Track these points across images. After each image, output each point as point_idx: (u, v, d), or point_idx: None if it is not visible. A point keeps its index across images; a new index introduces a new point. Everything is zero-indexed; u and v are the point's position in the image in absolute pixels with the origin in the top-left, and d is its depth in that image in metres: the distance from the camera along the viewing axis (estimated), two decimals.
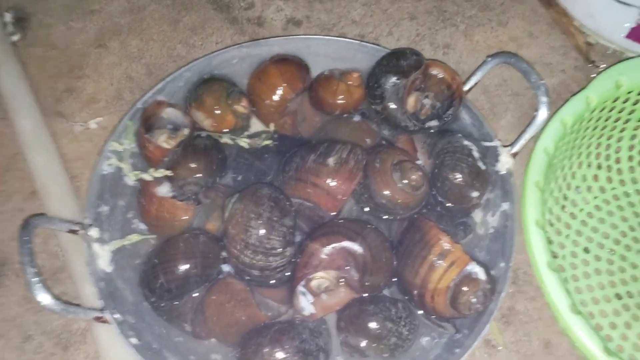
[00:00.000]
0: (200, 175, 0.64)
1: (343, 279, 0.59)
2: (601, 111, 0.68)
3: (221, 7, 0.90)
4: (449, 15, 0.88)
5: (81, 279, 0.68)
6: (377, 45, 0.72)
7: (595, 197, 0.73)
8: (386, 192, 0.60)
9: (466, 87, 0.68)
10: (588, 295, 0.68)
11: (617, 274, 0.70)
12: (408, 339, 0.58)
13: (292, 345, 0.56)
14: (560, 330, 0.66)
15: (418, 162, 0.66)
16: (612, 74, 0.67)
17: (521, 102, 0.80)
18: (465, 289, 0.56)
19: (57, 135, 0.80)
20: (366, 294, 0.60)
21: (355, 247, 0.58)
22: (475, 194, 0.63)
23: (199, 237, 0.61)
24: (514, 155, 0.65)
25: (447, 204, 0.64)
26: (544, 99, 0.64)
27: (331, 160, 0.61)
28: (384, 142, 0.68)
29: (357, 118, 0.69)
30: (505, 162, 0.65)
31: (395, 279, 0.61)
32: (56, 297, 0.57)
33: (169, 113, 0.67)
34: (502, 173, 0.65)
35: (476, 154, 0.63)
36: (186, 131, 0.66)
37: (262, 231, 0.57)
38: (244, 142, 0.68)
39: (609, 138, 0.73)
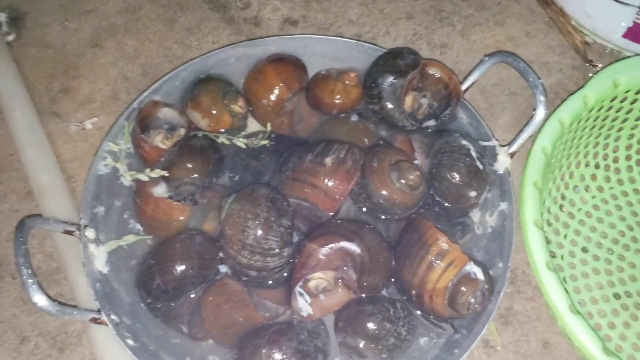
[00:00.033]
0: (197, 175, 0.64)
1: (341, 280, 0.59)
2: (599, 110, 0.68)
3: (217, 7, 0.89)
4: (446, 15, 0.88)
5: (77, 280, 0.68)
6: (374, 44, 0.72)
7: (594, 197, 0.73)
8: (384, 192, 0.60)
9: (463, 87, 0.68)
10: (587, 295, 0.68)
11: (615, 273, 0.69)
12: (406, 339, 0.58)
13: (290, 346, 0.56)
14: (559, 330, 0.66)
15: (416, 161, 0.66)
16: (610, 73, 0.67)
17: (518, 102, 0.80)
18: (463, 289, 0.55)
19: (53, 136, 0.79)
20: (364, 295, 0.60)
21: (353, 247, 0.58)
22: (473, 193, 0.63)
23: (195, 238, 0.61)
24: (512, 154, 0.65)
25: (445, 204, 0.64)
26: (541, 98, 0.64)
27: (328, 160, 0.61)
28: (381, 142, 0.68)
29: (354, 118, 0.68)
30: (503, 162, 0.65)
31: (394, 279, 0.61)
32: (52, 299, 0.56)
33: (165, 113, 0.67)
34: (500, 173, 0.65)
35: (474, 154, 0.63)
36: (182, 131, 0.66)
37: (260, 232, 0.57)
38: (240, 142, 0.67)
39: (606, 137, 0.73)
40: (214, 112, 0.67)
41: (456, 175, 0.62)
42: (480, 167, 0.63)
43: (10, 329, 0.69)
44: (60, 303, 0.57)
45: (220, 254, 0.60)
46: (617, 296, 0.68)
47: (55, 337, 0.68)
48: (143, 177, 0.63)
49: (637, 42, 0.79)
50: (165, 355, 0.60)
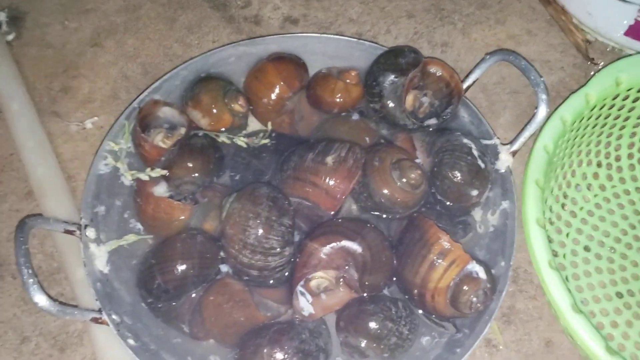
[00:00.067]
0: (197, 174, 0.64)
1: (342, 279, 0.59)
2: (601, 109, 0.68)
3: (218, 6, 0.89)
4: (446, 14, 0.87)
5: (78, 280, 0.68)
6: (375, 43, 0.72)
7: (596, 195, 0.73)
8: (385, 191, 0.60)
9: (465, 85, 0.68)
10: (589, 294, 0.68)
11: (618, 272, 0.69)
12: (408, 338, 0.58)
13: (291, 346, 0.55)
14: (562, 329, 0.66)
15: (417, 160, 0.65)
16: (612, 71, 0.66)
17: (519, 100, 0.80)
18: (465, 288, 0.55)
19: (53, 135, 0.79)
20: (366, 294, 0.59)
21: (355, 246, 0.58)
22: (474, 192, 0.62)
23: (196, 237, 0.61)
24: (514, 153, 0.65)
25: (447, 203, 0.63)
26: (543, 96, 0.64)
27: (330, 159, 0.61)
28: (382, 141, 0.67)
29: (355, 116, 0.68)
30: (504, 160, 0.65)
31: (395, 278, 0.61)
32: (53, 299, 0.56)
33: (166, 112, 0.67)
34: (501, 171, 0.65)
35: (475, 152, 0.63)
36: (183, 130, 0.66)
37: (261, 231, 0.56)
38: (241, 141, 0.67)
39: (608, 136, 0.72)
40: (215, 111, 0.67)
41: (458, 174, 0.62)
42: (482, 165, 0.63)
43: (11, 329, 0.68)
44: (61, 303, 0.57)
45: (221, 254, 0.60)
46: (619, 295, 0.68)
47: (56, 337, 0.68)
48: (143, 176, 0.63)
49: (638, 40, 0.79)
50: (166, 354, 0.59)
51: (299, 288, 0.58)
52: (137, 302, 0.61)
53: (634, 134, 0.73)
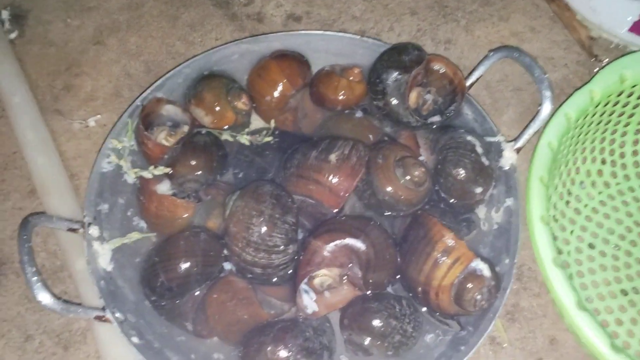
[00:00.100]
0: (200, 172, 0.64)
1: (346, 277, 0.59)
2: (605, 105, 0.68)
3: (220, 4, 0.89)
4: (450, 11, 0.87)
5: (81, 278, 0.68)
6: (378, 40, 0.72)
7: (600, 193, 0.73)
8: (389, 189, 0.60)
9: (468, 82, 0.67)
10: (593, 292, 0.68)
11: (622, 269, 0.69)
12: (412, 336, 0.58)
13: (295, 344, 0.55)
14: (566, 327, 0.66)
15: (421, 158, 0.65)
16: (616, 67, 0.66)
17: (523, 97, 0.80)
18: (470, 285, 0.55)
19: (56, 133, 0.79)
20: (370, 292, 0.59)
21: (358, 244, 0.57)
22: (478, 189, 0.62)
23: (199, 235, 0.61)
24: (518, 150, 0.65)
25: (451, 200, 0.63)
26: (547, 93, 0.64)
27: (333, 157, 0.60)
28: (386, 138, 0.67)
29: (358, 114, 0.68)
30: (508, 158, 0.65)
31: (399, 276, 0.61)
32: (56, 297, 0.57)
33: (168, 110, 0.66)
34: (505, 168, 0.64)
35: (479, 150, 0.63)
36: (186, 128, 0.66)
37: (264, 229, 0.56)
38: (244, 139, 0.67)
39: (613, 132, 0.72)
40: (218, 108, 0.66)
41: (461, 172, 0.62)
42: (486, 163, 0.63)
43: (15, 327, 0.69)
44: (64, 301, 0.57)
45: (225, 251, 0.60)
46: (624, 292, 0.68)
47: (59, 335, 0.68)
48: (147, 174, 0.63)
49: None
50: (170, 352, 0.59)
51: (303, 286, 0.58)
52: (140, 300, 0.61)
53: (638, 131, 0.72)
